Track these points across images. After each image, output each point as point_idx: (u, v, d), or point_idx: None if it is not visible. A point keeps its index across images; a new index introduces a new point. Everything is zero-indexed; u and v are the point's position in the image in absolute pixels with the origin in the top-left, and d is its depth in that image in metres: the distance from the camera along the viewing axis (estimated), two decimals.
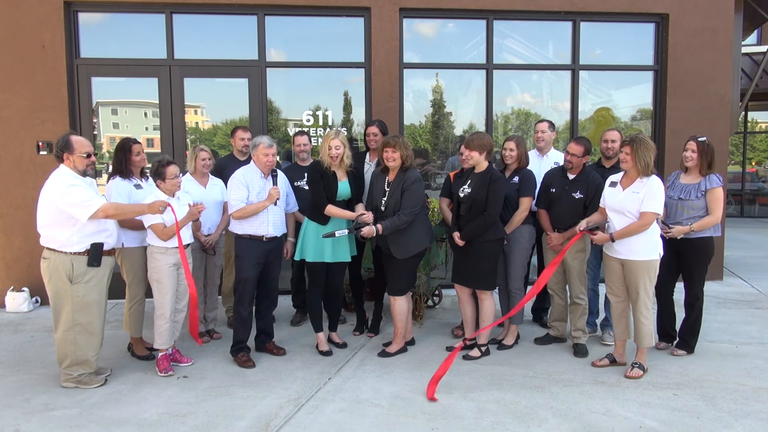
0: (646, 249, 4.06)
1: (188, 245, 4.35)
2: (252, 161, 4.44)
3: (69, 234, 3.83)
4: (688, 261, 4.45)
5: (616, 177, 4.24)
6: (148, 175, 4.60)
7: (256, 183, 4.38)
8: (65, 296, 3.89)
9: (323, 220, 4.51)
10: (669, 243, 4.42)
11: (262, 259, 4.42)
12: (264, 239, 4.41)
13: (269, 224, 4.42)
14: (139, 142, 4.54)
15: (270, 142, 4.39)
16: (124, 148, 4.41)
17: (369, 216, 4.41)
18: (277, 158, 4.61)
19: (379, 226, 4.31)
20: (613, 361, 4.34)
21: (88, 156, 3.92)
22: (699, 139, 4.38)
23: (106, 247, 3.98)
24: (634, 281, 4.12)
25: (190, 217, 4.27)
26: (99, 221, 3.88)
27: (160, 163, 4.20)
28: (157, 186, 4.23)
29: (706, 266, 4.49)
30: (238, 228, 4.41)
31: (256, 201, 4.35)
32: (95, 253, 3.90)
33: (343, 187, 4.53)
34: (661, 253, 4.12)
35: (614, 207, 4.14)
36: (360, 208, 4.60)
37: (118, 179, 4.35)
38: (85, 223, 3.80)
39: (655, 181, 4.03)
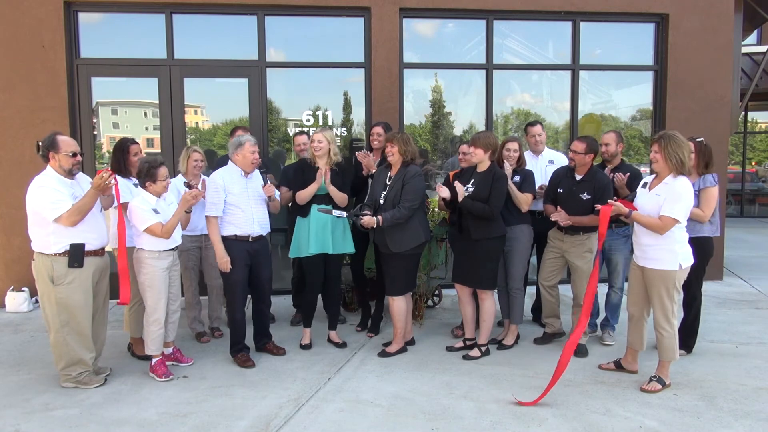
0: (663, 258, 3.82)
1: (176, 248, 4.26)
2: (231, 161, 4.41)
3: (46, 234, 3.79)
4: None
5: (648, 178, 4.05)
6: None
7: (237, 183, 4.36)
8: (50, 298, 3.87)
9: (303, 212, 4.62)
10: None
11: (249, 260, 4.40)
12: (250, 239, 4.41)
13: (254, 223, 4.41)
14: (137, 143, 4.55)
15: (255, 140, 4.43)
16: (122, 148, 4.44)
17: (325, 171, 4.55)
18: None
19: (379, 217, 4.34)
20: (619, 367, 4.26)
21: (74, 155, 3.86)
22: (697, 140, 4.38)
23: (90, 248, 3.90)
24: (650, 291, 3.94)
25: (184, 204, 4.11)
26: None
27: (151, 164, 4.07)
28: (146, 188, 4.09)
29: (704, 266, 4.47)
30: (223, 230, 4.36)
31: (237, 201, 4.32)
32: (76, 254, 3.83)
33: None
34: (683, 265, 3.84)
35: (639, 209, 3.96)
36: (320, 172, 4.59)
37: (118, 177, 4.35)
38: (59, 224, 3.74)
39: (680, 182, 3.75)
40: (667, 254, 3.83)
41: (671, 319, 3.90)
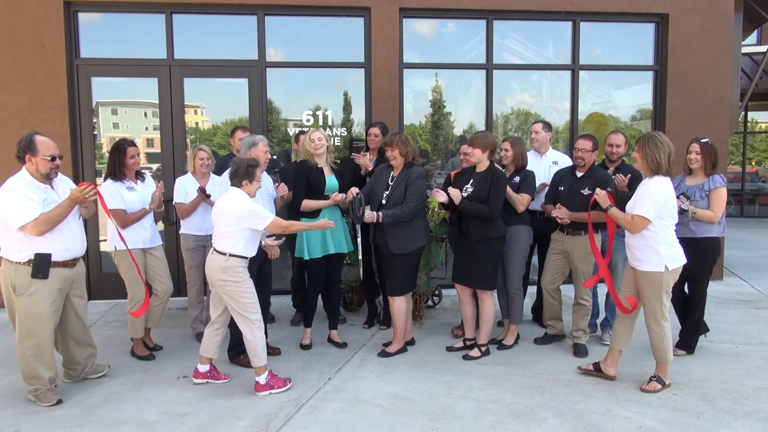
0: (648, 260, 3.82)
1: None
2: None
3: (12, 241, 3.55)
4: (693, 261, 4.43)
5: None
6: (144, 176, 4.61)
7: None
8: (12, 308, 3.67)
9: (313, 213, 4.60)
10: (679, 242, 4.44)
11: (260, 257, 4.41)
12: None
13: None
14: (135, 145, 4.51)
15: (267, 140, 4.49)
16: (119, 149, 4.39)
17: (342, 196, 4.52)
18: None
19: (380, 213, 4.34)
20: (598, 370, 4.14)
21: (53, 159, 3.61)
22: (702, 141, 4.38)
23: (57, 258, 3.63)
24: (640, 291, 3.94)
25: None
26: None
27: (250, 163, 3.90)
28: (242, 187, 3.88)
29: (712, 267, 4.45)
30: None
31: (257, 200, 4.32)
32: (40, 264, 3.55)
33: (331, 181, 4.65)
34: (669, 266, 3.80)
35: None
36: (334, 196, 4.58)
37: (109, 181, 4.35)
38: (24, 232, 3.49)
39: (654, 182, 3.76)
40: (653, 256, 3.81)
41: (660, 321, 3.88)
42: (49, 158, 3.60)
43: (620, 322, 4.10)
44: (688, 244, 4.37)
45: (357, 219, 4.40)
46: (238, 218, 3.81)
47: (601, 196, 3.98)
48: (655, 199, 3.71)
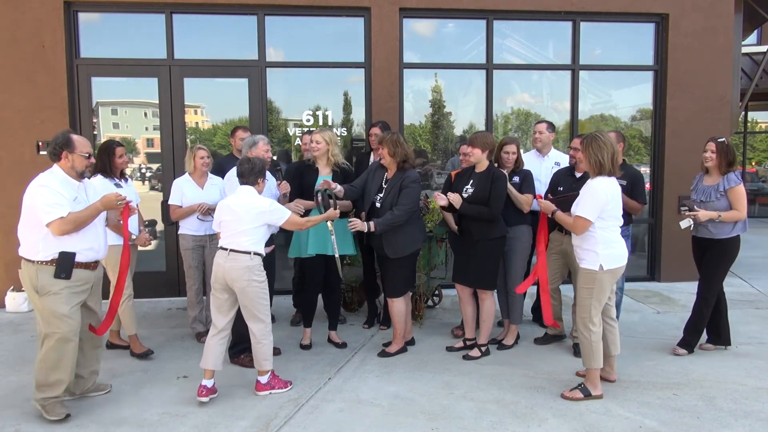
0: (587, 257, 3.73)
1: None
2: None
3: (35, 239, 3.46)
4: (706, 259, 4.45)
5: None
6: (127, 177, 4.70)
7: None
8: (36, 309, 3.55)
9: (306, 214, 4.56)
10: (697, 241, 4.49)
11: (266, 258, 4.40)
12: None
13: None
14: (123, 145, 4.63)
15: (268, 139, 4.52)
16: (108, 150, 4.50)
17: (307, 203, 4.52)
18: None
19: (371, 223, 4.31)
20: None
21: (89, 156, 3.61)
22: (718, 140, 4.40)
23: (81, 259, 3.52)
24: (576, 289, 3.88)
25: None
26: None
27: (264, 163, 3.95)
28: (256, 185, 3.88)
29: (724, 267, 4.46)
30: None
31: None
32: (64, 264, 3.45)
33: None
34: (604, 266, 3.67)
35: None
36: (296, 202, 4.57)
37: (100, 177, 4.41)
38: (49, 229, 3.41)
39: (596, 182, 3.66)
40: (590, 254, 3.73)
41: (588, 324, 3.75)
42: (86, 155, 3.60)
43: None
44: (706, 244, 4.39)
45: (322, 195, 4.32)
46: (259, 214, 3.79)
47: (543, 204, 4.02)
48: (597, 200, 3.63)
